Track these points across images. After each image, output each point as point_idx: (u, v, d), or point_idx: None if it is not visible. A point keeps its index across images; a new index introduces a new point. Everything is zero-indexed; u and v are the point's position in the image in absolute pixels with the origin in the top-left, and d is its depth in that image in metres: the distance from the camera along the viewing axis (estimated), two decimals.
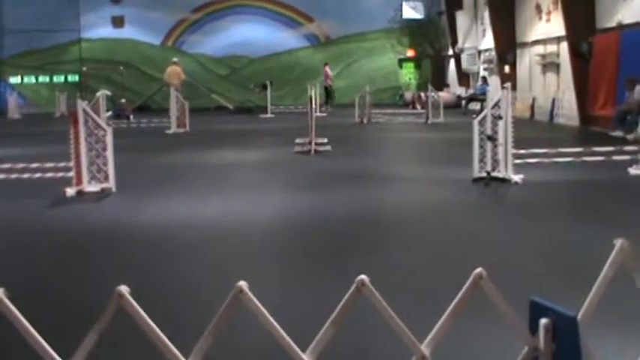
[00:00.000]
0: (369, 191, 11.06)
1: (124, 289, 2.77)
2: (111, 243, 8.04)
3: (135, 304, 2.75)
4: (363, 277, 2.70)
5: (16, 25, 36.92)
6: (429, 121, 24.67)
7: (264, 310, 2.72)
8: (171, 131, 22.52)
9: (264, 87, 31.69)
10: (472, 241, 7.81)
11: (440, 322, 2.80)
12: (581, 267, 6.29)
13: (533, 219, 8.95)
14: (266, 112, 30.32)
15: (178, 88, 25.59)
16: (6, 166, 14.17)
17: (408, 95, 35.42)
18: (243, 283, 2.73)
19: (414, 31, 37.44)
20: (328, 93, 34.42)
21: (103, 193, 10.92)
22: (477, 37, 31.65)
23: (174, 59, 30.85)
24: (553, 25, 23.50)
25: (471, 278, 2.74)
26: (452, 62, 35.51)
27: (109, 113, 19.54)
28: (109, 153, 11.05)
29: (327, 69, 34.66)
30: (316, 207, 9.86)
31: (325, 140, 17.39)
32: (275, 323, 2.73)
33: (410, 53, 38.01)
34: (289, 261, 7.22)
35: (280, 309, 4.73)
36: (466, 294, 2.75)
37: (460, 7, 33.25)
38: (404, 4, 36.67)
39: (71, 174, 11.23)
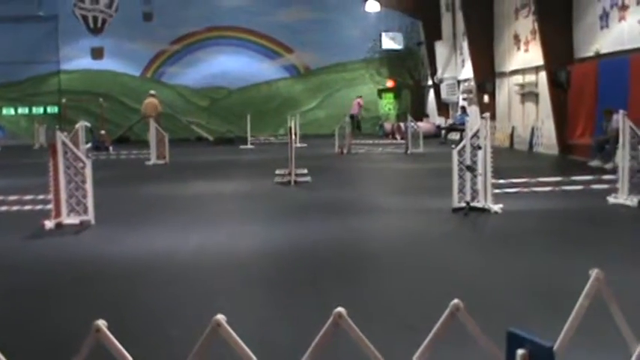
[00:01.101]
0: (349, 222, 11.06)
1: (101, 323, 2.75)
2: (90, 276, 7.98)
3: (112, 338, 2.74)
4: (340, 309, 2.70)
5: None
6: (409, 152, 24.76)
7: (242, 343, 2.71)
8: (150, 163, 22.47)
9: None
10: (451, 271, 7.82)
11: (417, 354, 2.81)
12: (561, 297, 6.31)
13: (512, 249, 8.98)
14: (246, 143, 30.38)
15: (157, 120, 25.60)
16: None
17: (388, 125, 35.59)
18: (220, 317, 2.73)
19: (393, 61, 37.73)
20: (355, 122, 34.84)
21: (82, 226, 10.85)
22: (456, 67, 31.92)
23: (152, 92, 31.05)
24: (531, 54, 23.77)
25: (447, 310, 2.75)
26: (431, 92, 35.74)
27: (89, 145, 19.50)
28: (89, 185, 11.00)
29: (361, 101, 35.07)
30: (296, 238, 9.84)
31: (305, 171, 17.42)
32: (253, 356, 2.72)
33: (389, 84, 38.29)
34: (268, 293, 7.19)
35: (259, 341, 4.72)
36: (443, 325, 2.76)
37: (439, 37, 33.55)
38: (383, 34, 36.96)
39: (50, 206, 11.15)
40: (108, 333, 2.73)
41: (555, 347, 2.67)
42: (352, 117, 34.78)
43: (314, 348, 2.77)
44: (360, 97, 36.07)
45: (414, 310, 6.28)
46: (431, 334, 2.79)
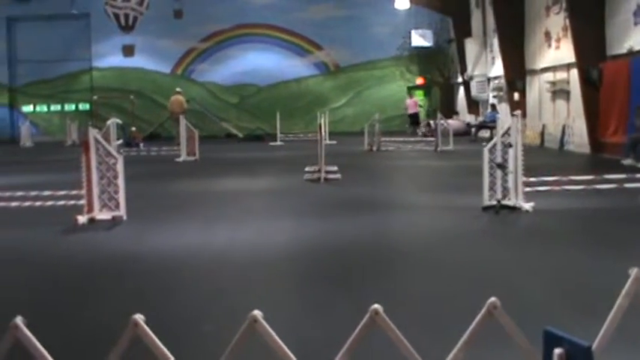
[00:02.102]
0: (380, 219, 11.05)
1: (139, 317, 2.78)
2: (122, 271, 8.05)
3: (150, 332, 2.76)
4: (376, 306, 2.70)
5: (28, 54, 37.44)
6: (439, 149, 24.67)
7: (278, 339, 2.72)
8: (181, 159, 22.61)
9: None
10: (483, 269, 7.78)
11: (453, 352, 2.80)
12: (595, 296, 6.27)
13: (545, 247, 8.92)
14: (275, 140, 30.47)
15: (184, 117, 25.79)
16: (19, 193, 14.25)
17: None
18: (257, 313, 2.74)
19: (423, 58, 37.59)
20: (414, 120, 35.02)
21: (115, 221, 10.95)
22: (487, 65, 31.73)
23: (178, 89, 31.33)
24: (563, 51, 23.54)
25: (485, 308, 2.74)
26: (461, 90, 35.56)
27: (120, 141, 19.64)
28: (120, 181, 11.09)
29: (417, 100, 35.56)
30: (326, 235, 9.85)
31: (335, 168, 17.41)
32: (290, 353, 2.73)
33: (419, 81, 38.14)
34: (299, 289, 7.21)
35: (292, 338, 4.73)
36: (480, 323, 2.75)
37: (469, 34, 33.35)
38: (413, 32, 36.81)
39: (83, 202, 11.27)
40: (146, 327, 2.76)
41: (593, 347, 2.65)
42: (412, 116, 34.92)
43: (350, 345, 2.77)
44: (412, 96, 36.01)
45: (447, 307, 6.26)
46: (468, 332, 2.78)
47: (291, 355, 2.72)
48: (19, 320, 2.73)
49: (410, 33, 36.86)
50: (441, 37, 36.89)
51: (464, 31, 33.72)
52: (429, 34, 36.88)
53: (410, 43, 37.15)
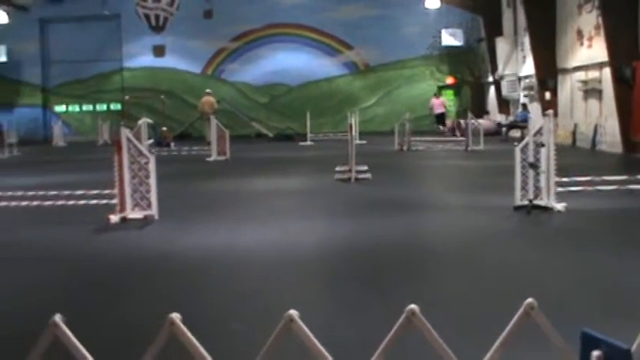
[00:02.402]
0: (411, 219, 11.02)
1: (175, 316, 2.79)
2: (154, 270, 8.10)
3: (187, 331, 2.78)
4: (413, 306, 2.69)
5: (61, 55, 37.88)
6: (469, 149, 24.53)
7: (314, 339, 2.72)
8: (211, 159, 22.70)
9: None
10: (515, 270, 7.73)
11: (490, 352, 2.78)
12: (631, 298, 6.20)
13: (578, 248, 8.83)
14: (305, 140, 30.49)
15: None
16: (52, 192, 14.40)
17: (448, 122, 35.32)
18: (293, 312, 2.74)
19: (453, 58, 37.43)
20: (440, 121, 35.11)
21: (146, 221, 11.02)
22: (517, 64, 31.50)
23: (208, 90, 31.57)
24: (595, 50, 23.29)
25: (522, 308, 2.72)
26: (492, 89, 35.36)
27: (151, 141, 19.79)
28: (152, 180, 11.16)
29: (443, 100, 35.55)
30: (358, 235, 9.84)
31: (366, 168, 17.39)
32: (326, 352, 2.73)
33: (449, 80, 37.97)
34: (331, 290, 7.21)
35: (324, 338, 4.73)
36: (517, 324, 2.73)
37: (500, 33, 33.14)
38: (443, 31, 36.67)
39: (115, 201, 11.36)
40: (182, 326, 2.77)
41: (633, 349, 2.62)
42: (438, 116, 34.85)
43: (386, 345, 2.76)
44: (437, 96, 35.91)
45: (481, 308, 6.22)
46: (504, 333, 2.76)
47: (328, 355, 2.72)
48: (57, 318, 2.75)
49: (440, 32, 36.73)
50: (472, 36, 36.71)
51: (495, 30, 33.52)
52: (460, 34, 36.71)
53: (440, 43, 37.03)
